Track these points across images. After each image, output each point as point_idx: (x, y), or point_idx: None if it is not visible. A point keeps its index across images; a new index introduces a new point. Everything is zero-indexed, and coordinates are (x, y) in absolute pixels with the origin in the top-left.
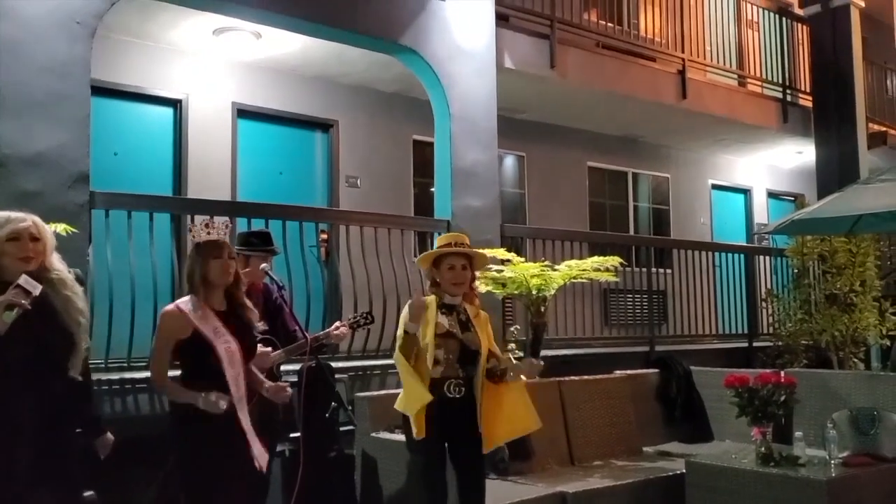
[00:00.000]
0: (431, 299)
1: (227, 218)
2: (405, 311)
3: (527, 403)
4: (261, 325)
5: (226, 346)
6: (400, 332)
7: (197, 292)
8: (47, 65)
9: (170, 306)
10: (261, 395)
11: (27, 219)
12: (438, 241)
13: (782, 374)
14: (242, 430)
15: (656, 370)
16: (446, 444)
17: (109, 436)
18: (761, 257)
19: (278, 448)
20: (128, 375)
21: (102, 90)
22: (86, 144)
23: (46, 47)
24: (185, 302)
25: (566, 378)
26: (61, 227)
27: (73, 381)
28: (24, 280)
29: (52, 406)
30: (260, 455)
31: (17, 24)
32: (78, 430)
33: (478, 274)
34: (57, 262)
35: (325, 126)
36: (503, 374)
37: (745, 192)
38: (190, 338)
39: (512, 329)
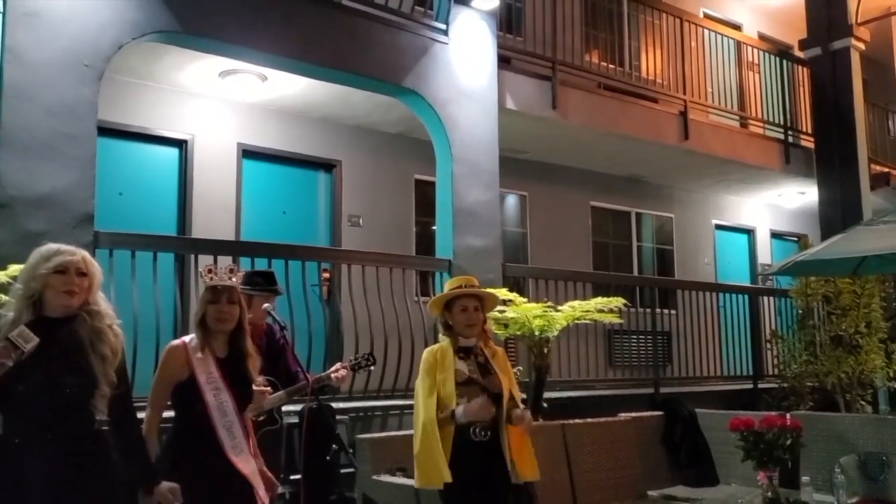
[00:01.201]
0: (446, 345)
1: (231, 263)
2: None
3: (531, 452)
4: (260, 379)
5: (215, 393)
6: (429, 407)
7: (206, 333)
8: (55, 107)
9: (176, 341)
10: (259, 440)
11: (77, 253)
12: (448, 284)
13: (788, 416)
14: (243, 475)
15: (661, 413)
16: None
17: (164, 486)
18: (765, 298)
19: (279, 490)
20: None
21: (108, 131)
22: (91, 185)
23: (54, 90)
24: (190, 338)
25: (570, 421)
26: (98, 273)
27: (101, 430)
28: (17, 333)
29: (72, 453)
30: (264, 496)
31: (25, 67)
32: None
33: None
34: (102, 301)
35: (328, 166)
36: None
37: (749, 232)
38: (186, 381)
39: (514, 371)
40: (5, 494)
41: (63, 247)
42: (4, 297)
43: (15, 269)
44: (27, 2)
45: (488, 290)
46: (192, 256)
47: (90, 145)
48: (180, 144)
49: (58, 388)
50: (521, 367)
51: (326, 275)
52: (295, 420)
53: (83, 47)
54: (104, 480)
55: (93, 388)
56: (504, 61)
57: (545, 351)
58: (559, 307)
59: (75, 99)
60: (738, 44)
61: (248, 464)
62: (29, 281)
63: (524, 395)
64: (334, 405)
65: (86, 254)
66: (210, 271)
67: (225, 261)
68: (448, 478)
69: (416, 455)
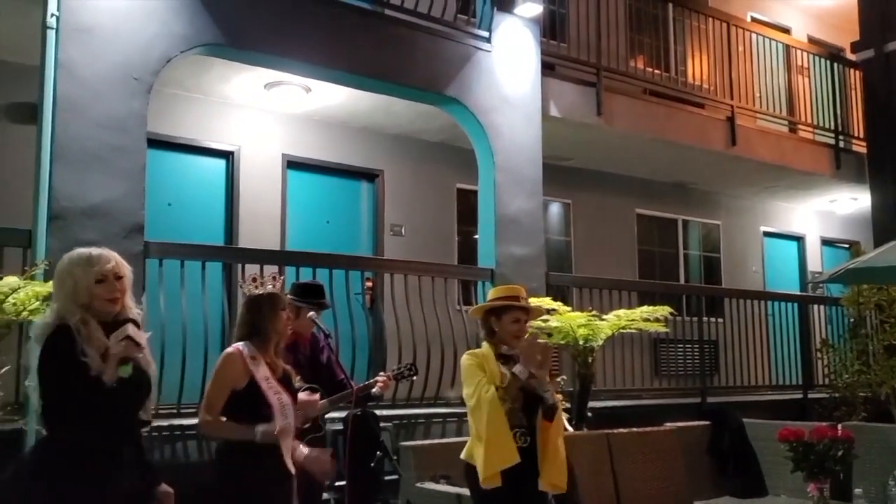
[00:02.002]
0: (487, 350)
1: (274, 272)
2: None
3: (562, 460)
4: (297, 381)
5: (277, 396)
6: (489, 389)
7: (268, 341)
8: (105, 120)
9: (231, 349)
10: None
11: (110, 258)
12: (499, 291)
13: (839, 427)
14: (291, 476)
15: (708, 422)
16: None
17: (167, 488)
18: (816, 306)
19: (325, 496)
20: (177, 422)
21: (157, 142)
22: (141, 196)
23: (105, 103)
24: (244, 345)
25: (615, 430)
26: (130, 273)
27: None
28: (133, 332)
29: (139, 450)
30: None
31: (77, 81)
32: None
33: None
34: (130, 300)
35: (370, 176)
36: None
37: (798, 239)
38: (245, 388)
39: (558, 380)
40: (91, 500)
41: (94, 252)
42: None
43: None
44: (79, 18)
45: (536, 303)
46: (240, 266)
47: (140, 157)
48: (227, 156)
49: (131, 395)
50: (564, 377)
51: (369, 284)
52: (339, 427)
53: (133, 61)
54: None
55: (148, 393)
56: (548, 68)
57: (590, 360)
58: (604, 316)
59: (125, 112)
60: (787, 47)
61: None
62: (76, 295)
63: (568, 405)
64: (378, 413)
65: (115, 254)
66: (275, 278)
67: (271, 270)
68: (517, 457)
69: (487, 439)
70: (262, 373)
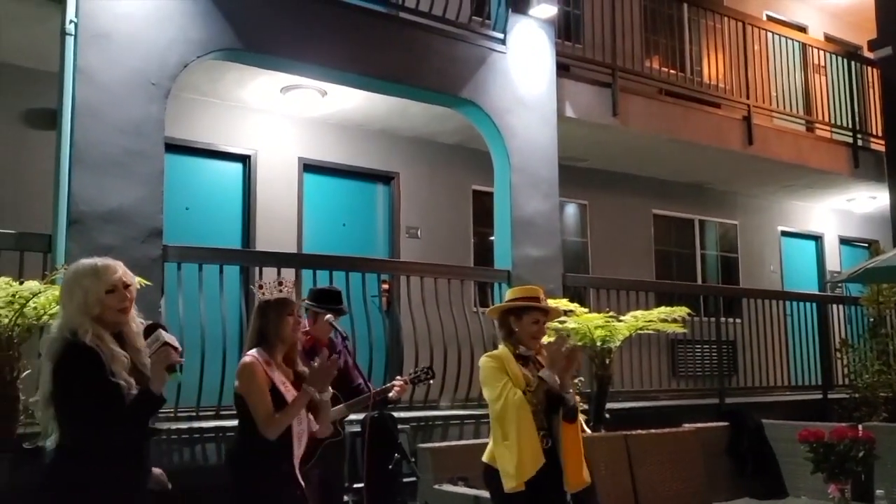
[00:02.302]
0: (505, 352)
1: (280, 277)
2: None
3: (581, 459)
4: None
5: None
6: (515, 391)
7: (274, 347)
8: (124, 125)
9: (248, 358)
10: (323, 451)
11: (117, 268)
12: (518, 292)
13: (860, 428)
14: (300, 484)
15: (726, 423)
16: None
17: (157, 471)
18: (834, 306)
19: (344, 499)
20: (196, 425)
21: (175, 147)
22: (159, 200)
23: (123, 108)
24: (257, 352)
25: (633, 432)
26: (136, 281)
27: None
28: (167, 337)
29: (146, 450)
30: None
31: (95, 87)
32: None
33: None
34: (134, 310)
35: (386, 178)
36: (570, 412)
37: (817, 238)
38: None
39: (575, 381)
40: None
41: (99, 263)
42: None
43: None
44: (97, 24)
45: (553, 305)
46: (257, 269)
47: (158, 161)
48: (244, 159)
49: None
50: (582, 378)
51: (386, 286)
52: (357, 429)
53: (150, 66)
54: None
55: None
56: (563, 69)
57: (607, 361)
58: (621, 317)
59: (143, 117)
60: (804, 46)
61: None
62: (90, 305)
63: (585, 406)
64: (395, 415)
65: (119, 263)
66: (281, 283)
67: (288, 273)
68: (543, 459)
69: (519, 443)
70: (279, 378)
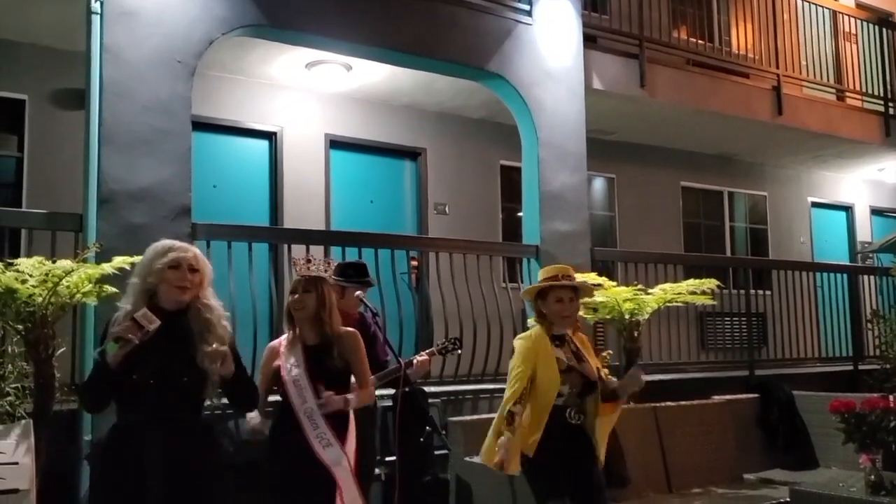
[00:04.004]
0: (540, 332)
1: (308, 254)
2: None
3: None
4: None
5: (295, 380)
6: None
7: (290, 321)
8: (151, 103)
9: (274, 342)
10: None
11: (189, 250)
12: (543, 272)
13: (891, 398)
14: (322, 463)
15: (756, 395)
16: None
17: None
18: (865, 277)
19: (375, 471)
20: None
21: (201, 125)
22: (188, 178)
23: (150, 87)
24: (285, 336)
25: (662, 404)
26: (210, 272)
27: (208, 420)
28: (141, 314)
29: (183, 442)
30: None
31: (122, 66)
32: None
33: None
34: (211, 296)
35: (413, 154)
36: (614, 394)
37: (847, 209)
38: (276, 372)
39: (604, 354)
40: (122, 479)
41: (177, 243)
42: (110, 289)
43: (119, 261)
44: (123, 2)
45: (581, 279)
46: (286, 246)
47: (185, 140)
48: (270, 136)
49: (171, 379)
50: (611, 351)
51: (414, 262)
52: (389, 403)
53: (176, 44)
54: (209, 469)
55: (203, 380)
56: (590, 40)
57: (636, 334)
58: (649, 290)
59: (170, 95)
60: (834, 13)
61: (331, 454)
62: (146, 276)
63: (615, 379)
64: (426, 389)
65: (198, 251)
66: (296, 264)
67: (316, 250)
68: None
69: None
70: (292, 355)
